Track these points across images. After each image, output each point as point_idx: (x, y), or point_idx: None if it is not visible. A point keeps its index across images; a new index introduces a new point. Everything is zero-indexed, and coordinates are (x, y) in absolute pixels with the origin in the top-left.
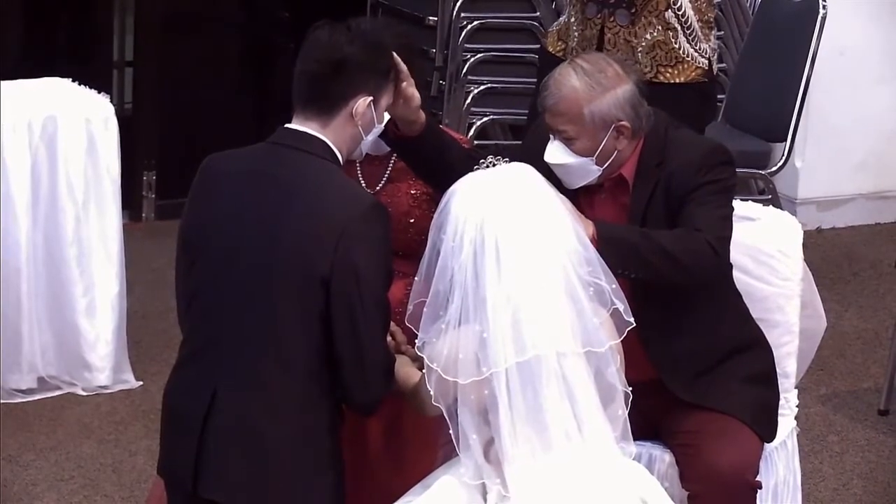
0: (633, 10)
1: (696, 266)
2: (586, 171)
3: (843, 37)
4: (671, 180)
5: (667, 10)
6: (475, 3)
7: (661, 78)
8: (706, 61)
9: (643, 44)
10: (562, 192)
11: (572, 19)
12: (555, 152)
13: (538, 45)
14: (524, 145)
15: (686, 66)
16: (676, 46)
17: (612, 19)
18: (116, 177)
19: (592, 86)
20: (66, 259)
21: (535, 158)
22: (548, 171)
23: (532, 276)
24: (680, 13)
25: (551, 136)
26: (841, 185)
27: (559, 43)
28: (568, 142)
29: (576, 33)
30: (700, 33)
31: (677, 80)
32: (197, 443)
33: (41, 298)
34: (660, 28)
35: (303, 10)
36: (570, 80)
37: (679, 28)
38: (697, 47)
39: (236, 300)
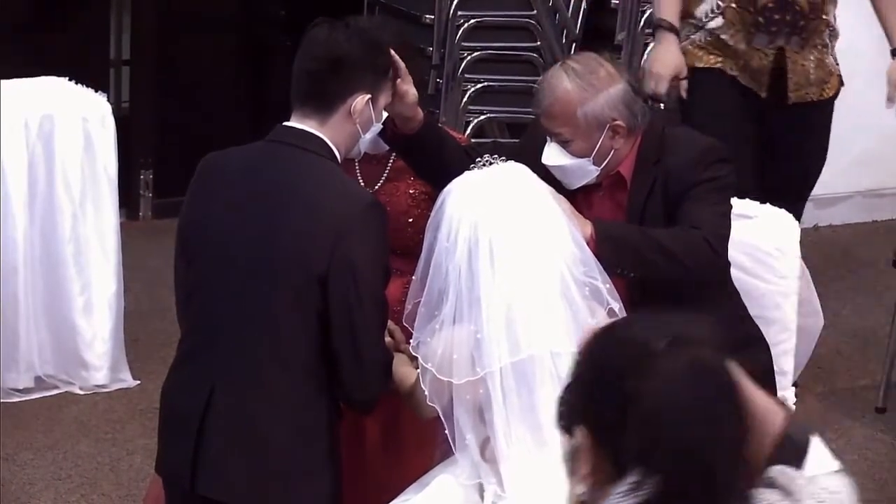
0: (803, 36)
1: (695, 263)
2: (584, 171)
3: (840, 34)
4: (669, 178)
5: (826, 29)
6: (472, 2)
7: (824, 95)
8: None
9: (811, 65)
10: (560, 192)
11: (729, 39)
12: (552, 154)
13: (535, 44)
14: (520, 146)
15: (835, 79)
16: (827, 61)
17: (787, 46)
18: (113, 175)
19: (584, 87)
20: (63, 258)
21: (532, 159)
22: (546, 172)
23: (526, 275)
24: (831, 29)
25: (548, 139)
26: (838, 183)
27: (715, 56)
28: (564, 144)
29: (741, 61)
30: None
31: (831, 94)
32: (194, 441)
33: (38, 297)
34: (819, 46)
35: (300, 9)
36: (563, 83)
37: (829, 43)
38: (835, 56)
39: (234, 298)
